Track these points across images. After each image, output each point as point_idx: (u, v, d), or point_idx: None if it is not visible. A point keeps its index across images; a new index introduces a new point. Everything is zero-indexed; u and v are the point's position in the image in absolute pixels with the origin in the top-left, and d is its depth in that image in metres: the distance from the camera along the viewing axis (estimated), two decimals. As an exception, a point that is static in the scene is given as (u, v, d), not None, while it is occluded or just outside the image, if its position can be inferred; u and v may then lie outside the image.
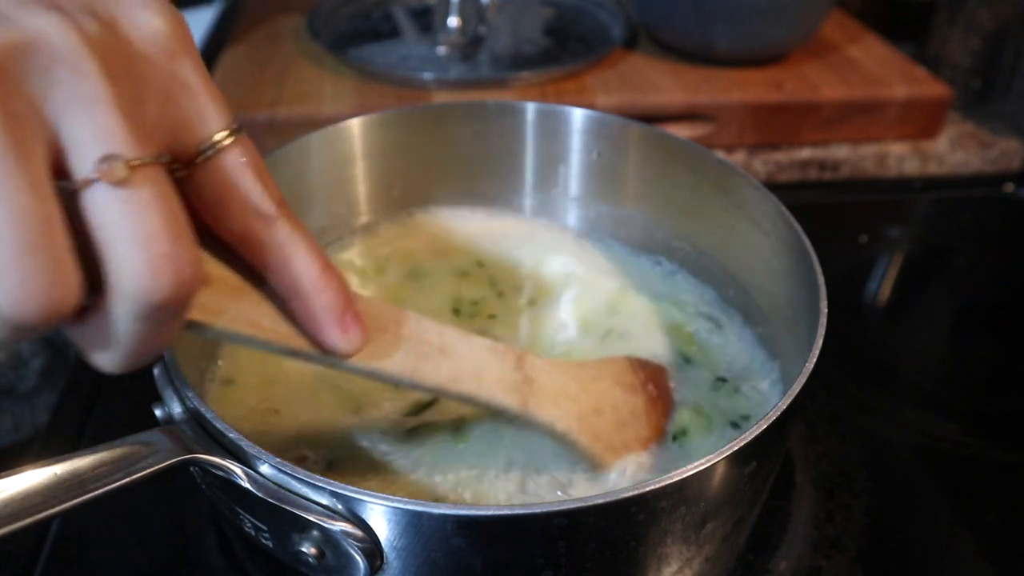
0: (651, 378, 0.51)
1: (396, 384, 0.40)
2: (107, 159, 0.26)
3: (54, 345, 0.71)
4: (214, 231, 0.34)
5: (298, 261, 0.34)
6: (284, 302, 0.35)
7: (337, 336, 0.35)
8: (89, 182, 0.27)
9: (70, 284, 0.26)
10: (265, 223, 0.33)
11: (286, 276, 0.34)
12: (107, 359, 0.30)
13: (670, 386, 0.53)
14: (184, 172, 0.32)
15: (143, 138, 0.28)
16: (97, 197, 0.27)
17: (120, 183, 0.27)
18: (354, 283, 0.62)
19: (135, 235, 0.27)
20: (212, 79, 0.33)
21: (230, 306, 0.34)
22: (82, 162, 0.27)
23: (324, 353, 0.36)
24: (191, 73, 0.31)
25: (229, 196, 0.33)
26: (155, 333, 0.29)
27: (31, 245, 0.25)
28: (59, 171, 0.27)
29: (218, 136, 0.32)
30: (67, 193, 0.27)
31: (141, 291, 0.27)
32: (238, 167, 0.32)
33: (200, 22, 1.13)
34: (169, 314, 0.29)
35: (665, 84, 0.86)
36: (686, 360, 0.56)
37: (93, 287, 0.27)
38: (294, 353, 0.36)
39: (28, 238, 0.25)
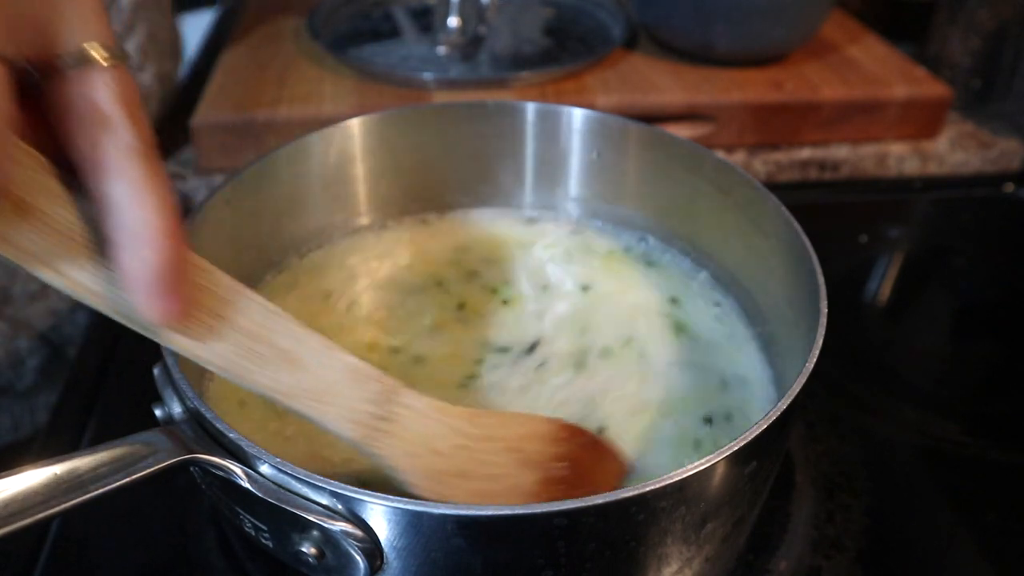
0: (575, 455, 0.43)
1: (221, 375, 0.36)
2: None
3: (52, 343, 0.71)
4: (71, 153, 0.31)
5: (145, 205, 0.31)
6: (110, 246, 0.31)
7: (150, 299, 0.31)
8: None
9: None
10: (124, 154, 0.30)
11: (126, 217, 0.31)
12: None
13: (611, 472, 0.45)
14: (43, 77, 0.30)
15: None
16: None
17: None
18: (354, 284, 0.62)
19: None
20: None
21: (42, 249, 0.31)
22: None
23: (134, 317, 0.33)
24: None
25: (91, 115, 0.30)
26: None
27: None
28: None
29: (89, 51, 0.30)
30: None
31: None
32: (107, 89, 0.30)
33: (201, 22, 1.13)
34: None
35: (665, 84, 0.86)
36: (686, 359, 0.56)
37: None
38: (92, 299, 0.32)
39: None
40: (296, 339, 0.37)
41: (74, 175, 0.32)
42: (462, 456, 0.40)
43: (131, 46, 0.76)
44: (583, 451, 0.45)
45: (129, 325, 0.33)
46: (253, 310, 0.36)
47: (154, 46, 0.80)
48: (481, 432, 0.41)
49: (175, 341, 0.34)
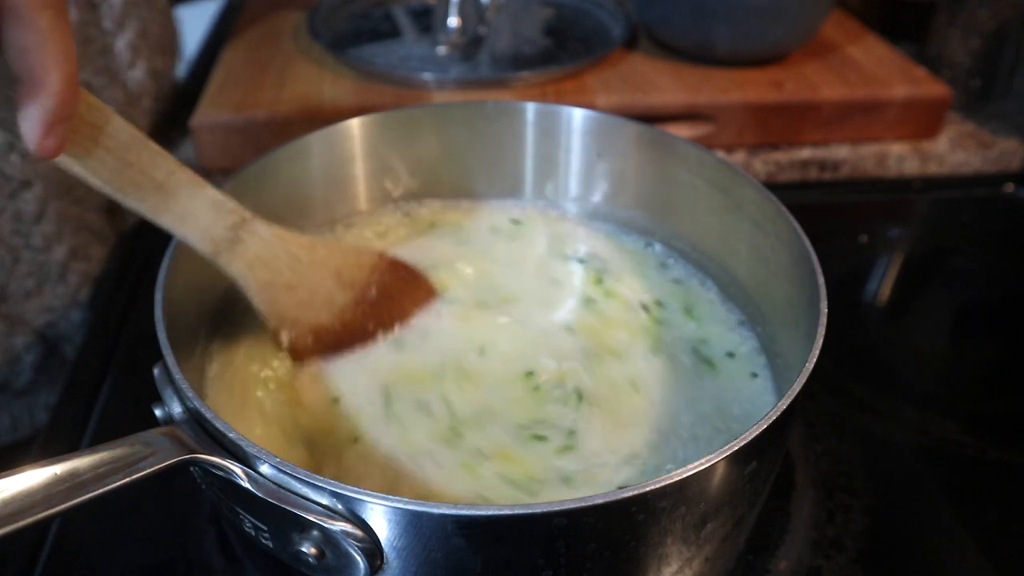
0: (386, 282, 0.55)
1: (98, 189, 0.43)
2: None
3: (48, 340, 0.71)
4: None
5: (49, 53, 0.35)
6: (17, 84, 0.36)
7: (37, 134, 0.36)
8: None
9: None
10: (34, 6, 0.34)
11: (29, 60, 0.35)
12: None
13: (419, 299, 0.57)
14: None
15: None
16: None
17: None
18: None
19: None
20: None
21: None
22: None
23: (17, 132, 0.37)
24: None
25: None
26: None
27: None
28: None
29: None
30: None
31: None
32: None
33: (201, 21, 1.13)
34: None
35: (665, 84, 0.86)
36: (685, 360, 0.56)
37: None
38: None
39: None
40: (170, 173, 0.45)
41: None
42: (293, 273, 0.51)
43: (121, 43, 0.76)
44: (396, 280, 0.56)
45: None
46: (137, 148, 0.43)
47: (146, 41, 0.80)
48: (312, 258, 0.52)
49: (65, 160, 0.41)
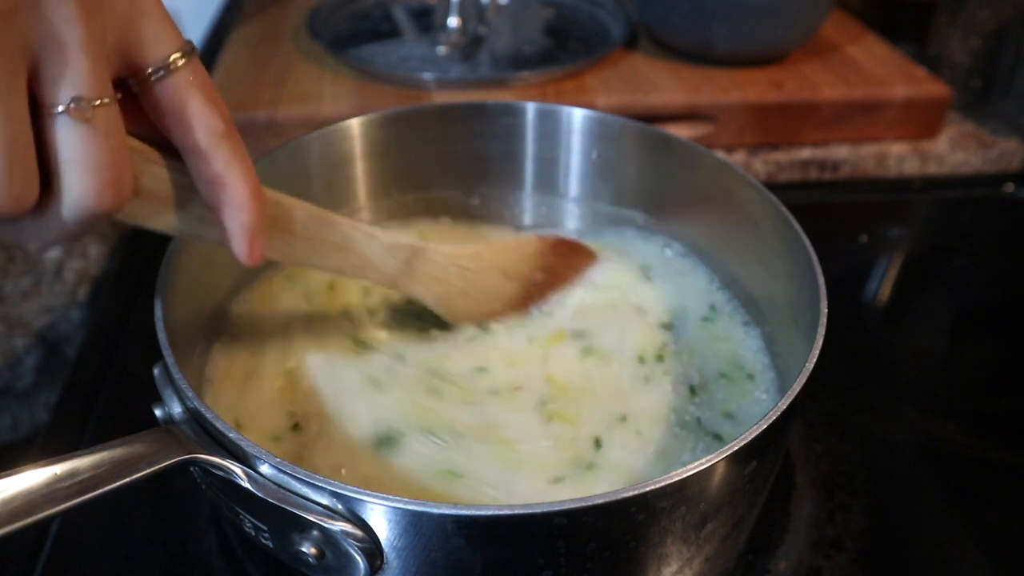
0: (550, 262, 0.60)
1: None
2: (76, 100, 0.33)
3: (48, 342, 0.71)
4: (172, 144, 0.39)
5: (235, 178, 0.39)
6: (211, 210, 0.41)
7: (244, 250, 0.41)
8: (59, 114, 0.33)
9: (33, 186, 0.33)
10: (213, 140, 0.38)
11: (221, 190, 0.39)
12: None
13: (579, 266, 0.62)
14: (139, 88, 0.37)
15: (105, 79, 0.34)
16: (63, 126, 0.33)
17: (84, 120, 0.33)
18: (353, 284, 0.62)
19: (90, 162, 0.34)
20: (162, 4, 0.37)
21: (150, 216, 0.41)
22: (55, 95, 0.33)
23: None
24: (147, 1, 0.36)
25: (181, 111, 0.38)
26: (82, 230, 0.36)
27: (9, 156, 0.31)
28: (32, 89, 0.33)
29: (172, 57, 0.37)
30: (39, 115, 0.33)
31: (87, 205, 0.34)
32: (189, 86, 0.37)
33: (201, 20, 1.13)
34: (100, 220, 0.35)
35: (665, 84, 0.86)
36: (685, 358, 0.56)
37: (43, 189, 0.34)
38: (198, 238, 0.43)
39: (7, 151, 0.31)
40: (345, 236, 0.49)
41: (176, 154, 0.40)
42: (463, 281, 0.56)
43: None
44: (558, 256, 0.61)
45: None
46: (315, 224, 0.48)
47: None
48: (479, 265, 0.57)
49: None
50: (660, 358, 0.56)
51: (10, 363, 0.69)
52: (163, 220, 0.41)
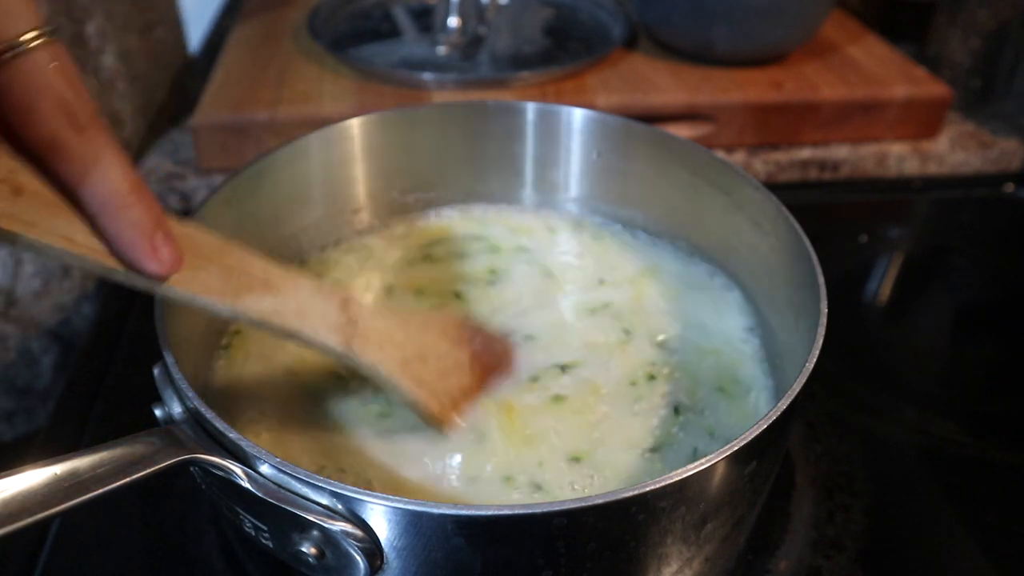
0: (479, 339, 0.53)
1: (217, 314, 0.40)
2: None
3: (63, 339, 0.71)
4: (25, 139, 0.33)
5: (107, 174, 0.33)
6: (94, 220, 0.34)
7: (147, 255, 0.34)
8: None
9: None
10: (74, 132, 0.33)
11: (94, 189, 0.33)
12: None
13: (505, 350, 0.54)
14: None
15: None
16: None
17: None
18: (355, 279, 0.62)
19: None
20: None
21: (43, 219, 0.33)
22: None
23: (137, 273, 0.35)
24: None
25: (37, 98, 0.32)
26: None
27: None
28: None
29: (25, 36, 0.32)
30: None
31: None
32: (46, 70, 0.32)
33: (201, 20, 1.13)
34: None
35: (665, 84, 0.86)
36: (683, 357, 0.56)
37: None
38: (110, 272, 0.35)
39: None
40: (264, 269, 0.42)
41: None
42: (414, 344, 0.47)
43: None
44: (484, 336, 0.54)
45: (128, 283, 0.36)
46: (227, 249, 0.41)
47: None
48: (416, 325, 0.49)
49: (183, 289, 0.38)
50: (659, 354, 0.56)
51: (28, 363, 0.69)
52: (60, 234, 0.34)
